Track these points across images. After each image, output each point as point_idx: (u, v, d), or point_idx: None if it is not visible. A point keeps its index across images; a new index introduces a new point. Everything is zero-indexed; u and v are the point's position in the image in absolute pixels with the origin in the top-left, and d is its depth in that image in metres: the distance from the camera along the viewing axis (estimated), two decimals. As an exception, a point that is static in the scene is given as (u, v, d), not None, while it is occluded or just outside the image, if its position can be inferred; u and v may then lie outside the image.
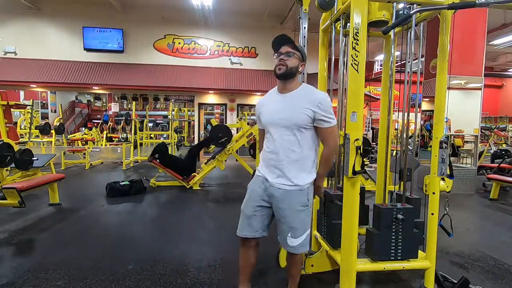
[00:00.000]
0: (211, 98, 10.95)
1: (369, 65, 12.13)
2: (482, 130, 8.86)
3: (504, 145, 9.62)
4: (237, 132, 6.17)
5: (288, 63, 1.58)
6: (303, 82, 1.76)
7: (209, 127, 12.34)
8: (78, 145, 9.18)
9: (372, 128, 10.63)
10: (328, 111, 1.58)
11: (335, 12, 2.09)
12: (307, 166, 1.65)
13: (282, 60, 1.58)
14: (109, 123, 13.35)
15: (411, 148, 2.51)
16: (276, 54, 1.65)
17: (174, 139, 9.35)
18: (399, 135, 2.32)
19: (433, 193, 1.92)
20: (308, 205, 1.67)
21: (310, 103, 1.56)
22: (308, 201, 1.67)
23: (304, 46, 2.15)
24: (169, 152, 6.60)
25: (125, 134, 11.67)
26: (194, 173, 5.55)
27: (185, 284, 2.19)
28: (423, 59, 5.99)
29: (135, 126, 8.59)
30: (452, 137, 6.75)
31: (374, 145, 6.85)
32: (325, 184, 2.40)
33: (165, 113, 15.80)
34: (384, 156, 2.26)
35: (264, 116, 1.71)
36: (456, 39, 4.86)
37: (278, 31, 10.68)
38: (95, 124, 13.90)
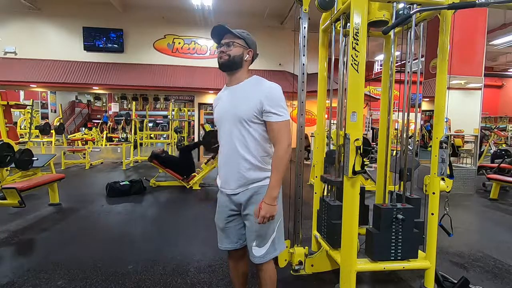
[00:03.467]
0: (211, 98, 10.94)
1: (369, 65, 12.13)
2: (482, 130, 8.86)
3: (504, 145, 9.62)
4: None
5: (229, 53, 1.43)
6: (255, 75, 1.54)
7: (202, 132, 12.35)
8: (78, 145, 9.19)
9: (372, 128, 10.62)
10: (277, 103, 1.37)
11: (335, 12, 2.09)
12: (264, 164, 1.46)
13: (223, 52, 1.44)
14: (109, 123, 13.36)
15: (411, 148, 2.51)
16: (217, 46, 1.50)
17: (174, 139, 9.34)
18: (399, 135, 2.32)
19: (433, 193, 1.92)
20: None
21: (257, 93, 1.38)
22: (277, 202, 1.48)
23: (304, 46, 2.15)
24: (169, 153, 6.60)
25: (125, 134, 11.67)
26: (194, 173, 5.55)
27: (185, 284, 2.19)
28: (423, 59, 6.00)
29: (135, 126, 8.59)
30: (452, 137, 6.75)
31: (374, 145, 6.84)
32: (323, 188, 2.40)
33: (165, 113, 15.80)
34: (384, 156, 2.26)
35: (215, 114, 1.56)
36: (456, 39, 4.87)
37: (278, 31, 10.76)
38: (95, 124, 13.91)
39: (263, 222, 1.37)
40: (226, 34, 1.46)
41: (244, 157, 1.43)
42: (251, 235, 1.50)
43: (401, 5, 1.85)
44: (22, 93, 12.85)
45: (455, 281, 2.11)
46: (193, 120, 12.04)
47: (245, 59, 1.47)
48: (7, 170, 3.67)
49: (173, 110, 10.09)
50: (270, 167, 1.43)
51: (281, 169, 1.37)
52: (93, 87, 10.59)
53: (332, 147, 2.36)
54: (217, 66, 1.52)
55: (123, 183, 4.82)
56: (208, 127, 6.09)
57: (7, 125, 4.03)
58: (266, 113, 1.38)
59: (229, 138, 1.45)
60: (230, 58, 1.43)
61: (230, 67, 1.46)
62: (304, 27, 2.15)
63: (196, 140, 11.43)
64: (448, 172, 1.89)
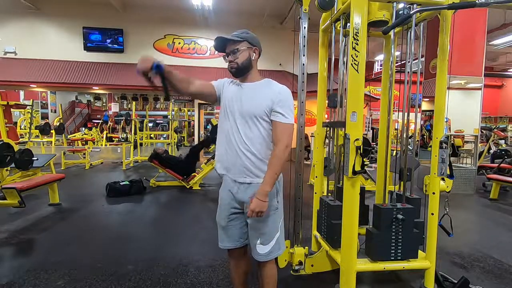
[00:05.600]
0: (211, 98, 10.93)
1: (369, 65, 12.13)
2: (482, 130, 8.86)
3: (504, 145, 9.61)
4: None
5: (237, 61, 1.46)
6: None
7: (209, 126, 12.35)
8: (78, 145, 9.18)
9: (372, 128, 10.62)
10: (287, 105, 1.43)
11: (335, 12, 2.09)
12: (268, 159, 1.47)
13: (231, 62, 1.47)
14: (109, 123, 13.36)
15: (411, 148, 2.51)
16: (224, 56, 1.53)
17: (174, 139, 9.34)
18: (399, 135, 2.32)
19: (433, 193, 1.92)
20: (278, 208, 1.54)
21: (269, 92, 1.44)
22: (278, 203, 1.54)
23: (304, 46, 2.15)
24: (169, 153, 6.59)
25: (125, 134, 11.67)
26: (194, 173, 5.55)
27: (185, 284, 2.19)
28: (423, 59, 5.99)
29: (135, 126, 8.59)
30: (452, 137, 6.75)
31: (374, 145, 6.85)
32: (324, 188, 2.40)
33: (165, 113, 15.81)
34: (384, 156, 2.26)
35: (225, 102, 1.54)
36: (456, 39, 4.85)
37: (278, 31, 10.78)
38: (95, 124, 13.91)
39: (251, 216, 1.40)
40: (228, 43, 1.47)
41: (250, 151, 1.45)
42: (255, 233, 1.51)
43: (401, 5, 1.86)
44: (22, 93, 12.85)
45: (455, 281, 2.11)
46: (193, 120, 12.06)
47: (253, 59, 1.49)
48: (7, 170, 3.67)
49: (173, 110, 10.09)
50: None
51: (276, 168, 1.40)
52: (93, 87, 10.60)
53: (331, 146, 2.36)
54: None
55: (123, 183, 4.82)
56: (215, 121, 6.03)
57: (7, 125, 4.03)
58: (274, 112, 1.42)
59: (237, 133, 1.47)
60: (239, 66, 1.47)
61: (242, 73, 1.49)
62: (304, 27, 2.15)
63: (195, 140, 11.43)
64: (448, 172, 1.89)
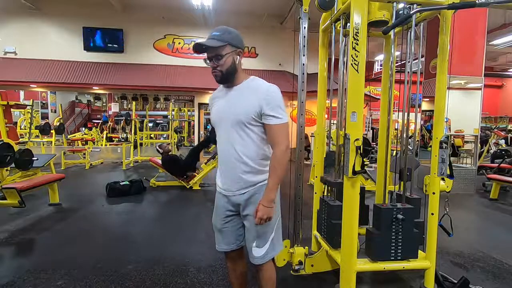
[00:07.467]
0: (211, 98, 10.94)
1: (369, 65, 12.10)
2: (483, 131, 8.86)
3: (504, 145, 9.61)
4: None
5: (221, 68, 1.37)
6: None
7: (209, 127, 12.34)
8: (78, 145, 9.19)
9: (372, 128, 10.63)
10: (277, 105, 1.35)
11: (335, 12, 2.09)
12: (263, 166, 1.44)
13: (215, 68, 1.38)
14: (109, 123, 13.36)
15: (411, 148, 2.51)
16: (205, 60, 1.42)
17: (174, 139, 9.34)
18: (399, 135, 2.32)
19: (433, 193, 1.92)
20: (275, 208, 1.49)
21: (256, 95, 1.36)
22: (276, 203, 1.48)
23: (304, 46, 2.15)
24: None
25: (125, 134, 11.67)
26: (194, 173, 5.55)
27: (185, 284, 2.19)
28: (423, 59, 5.99)
29: (135, 126, 8.59)
30: (452, 137, 6.74)
31: (374, 145, 6.84)
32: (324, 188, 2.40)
33: (165, 113, 15.81)
34: (384, 156, 2.26)
35: (213, 116, 1.53)
36: (456, 39, 4.86)
37: (278, 31, 10.78)
38: (95, 124, 13.91)
39: (260, 224, 1.38)
40: (209, 49, 1.36)
41: (242, 160, 1.41)
42: (251, 236, 1.49)
43: (401, 5, 1.85)
44: (22, 93, 12.85)
45: (455, 281, 2.11)
46: (193, 120, 12.05)
47: (237, 62, 1.40)
48: (7, 170, 3.67)
49: (173, 110, 10.09)
50: (267, 171, 1.43)
51: (279, 172, 1.36)
52: (93, 87, 10.60)
53: (331, 147, 2.36)
54: None
55: (123, 183, 4.82)
56: None
57: (7, 125, 4.03)
58: (266, 116, 1.36)
59: (228, 141, 1.44)
60: (224, 74, 1.38)
61: (227, 80, 1.42)
62: (304, 27, 2.14)
63: (195, 140, 11.42)
64: (448, 172, 1.89)
